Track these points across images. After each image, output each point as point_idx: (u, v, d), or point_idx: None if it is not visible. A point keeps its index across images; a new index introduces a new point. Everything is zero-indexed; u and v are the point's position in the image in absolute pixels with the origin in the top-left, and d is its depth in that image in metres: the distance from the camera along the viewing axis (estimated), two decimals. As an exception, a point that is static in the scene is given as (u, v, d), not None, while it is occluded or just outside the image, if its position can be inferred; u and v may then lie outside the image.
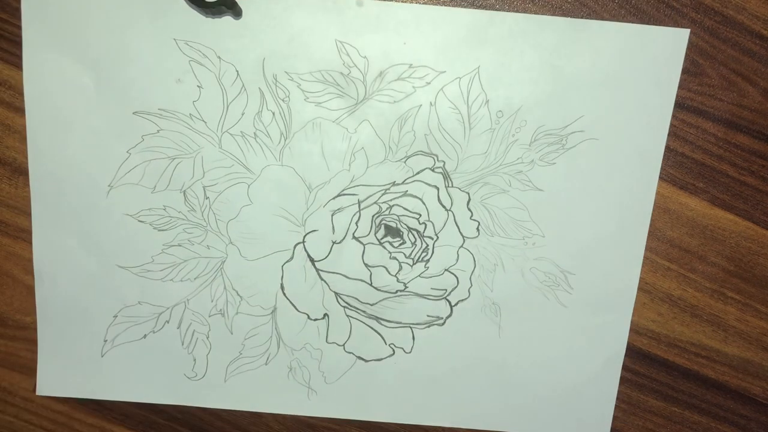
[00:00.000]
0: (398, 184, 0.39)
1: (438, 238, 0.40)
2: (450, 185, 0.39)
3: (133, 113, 0.38)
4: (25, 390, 0.42)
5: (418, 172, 0.39)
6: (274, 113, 0.38)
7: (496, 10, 0.37)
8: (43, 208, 0.40)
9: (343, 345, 0.42)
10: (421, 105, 0.38)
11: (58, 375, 0.42)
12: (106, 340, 0.42)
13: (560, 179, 0.39)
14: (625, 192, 0.39)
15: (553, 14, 0.37)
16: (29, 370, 0.42)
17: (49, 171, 0.39)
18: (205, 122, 0.38)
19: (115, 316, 0.41)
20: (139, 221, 0.40)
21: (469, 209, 0.40)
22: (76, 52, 0.37)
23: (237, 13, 0.36)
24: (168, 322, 0.41)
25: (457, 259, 0.40)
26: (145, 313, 0.41)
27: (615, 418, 0.43)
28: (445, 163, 0.39)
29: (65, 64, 0.37)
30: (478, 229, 0.40)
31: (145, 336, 0.42)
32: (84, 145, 0.39)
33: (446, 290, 0.41)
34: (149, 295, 0.41)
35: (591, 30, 0.37)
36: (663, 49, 0.37)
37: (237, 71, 0.38)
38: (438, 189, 0.39)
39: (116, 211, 0.40)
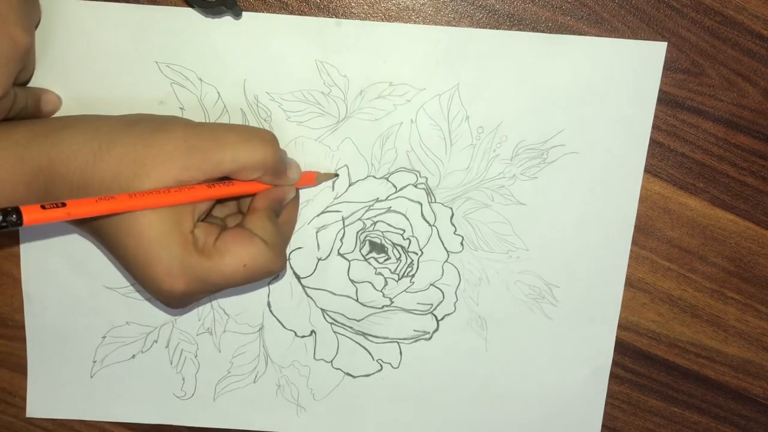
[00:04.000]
0: (381, 201, 0.40)
1: (422, 253, 0.40)
2: (433, 201, 0.40)
3: (117, 135, 0.38)
4: (25, 390, 0.42)
5: (401, 189, 0.39)
6: (256, 133, 0.39)
7: (496, 10, 0.37)
8: (30, 231, 0.40)
9: (331, 361, 0.42)
10: (402, 122, 0.38)
11: (48, 396, 0.42)
12: (95, 361, 0.42)
13: (542, 193, 0.39)
14: (607, 204, 0.40)
15: (554, 14, 0.37)
16: (29, 370, 0.42)
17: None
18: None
19: (104, 337, 0.42)
20: (126, 242, 0.40)
21: (453, 224, 0.40)
22: (59, 77, 0.37)
23: (236, 13, 0.36)
24: (156, 341, 0.42)
25: (442, 274, 0.41)
26: (133, 333, 0.42)
27: (615, 418, 0.43)
28: (427, 179, 0.39)
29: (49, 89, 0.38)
30: (462, 243, 0.40)
31: (133, 356, 0.42)
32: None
33: (432, 305, 0.41)
34: (137, 315, 0.41)
35: (568, 45, 0.37)
36: (640, 62, 0.37)
37: (218, 92, 0.38)
38: (421, 205, 0.40)
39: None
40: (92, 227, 0.32)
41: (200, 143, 0.31)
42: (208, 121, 0.38)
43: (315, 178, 0.38)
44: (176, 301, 0.33)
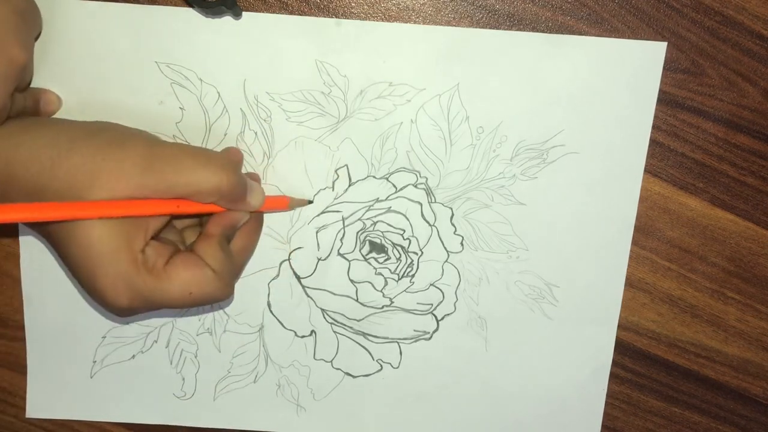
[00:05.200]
0: (381, 201, 0.40)
1: (422, 253, 0.40)
2: (433, 201, 0.40)
3: (117, 136, 0.38)
4: (25, 390, 0.42)
5: (401, 189, 0.39)
6: (256, 133, 0.39)
7: (496, 10, 0.37)
8: (30, 231, 0.40)
9: (331, 361, 0.42)
10: (402, 122, 0.38)
11: (48, 397, 0.42)
12: (95, 361, 0.42)
13: (542, 193, 0.39)
14: (607, 204, 0.40)
15: (554, 14, 0.37)
16: (29, 371, 0.42)
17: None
18: (189, 143, 0.39)
19: (104, 337, 0.42)
20: (126, 242, 0.40)
21: (453, 224, 0.40)
22: (59, 77, 0.37)
23: (236, 13, 0.36)
24: (156, 341, 0.42)
25: (442, 274, 0.41)
26: (133, 333, 0.42)
27: (615, 418, 0.43)
28: (427, 179, 0.39)
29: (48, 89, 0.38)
30: (462, 243, 0.40)
31: (133, 356, 0.42)
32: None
33: (432, 305, 0.41)
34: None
35: (568, 45, 0.37)
36: (641, 62, 0.38)
37: (218, 93, 0.38)
38: (421, 205, 0.40)
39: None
40: (45, 233, 0.32)
41: (157, 164, 0.31)
42: (207, 122, 0.38)
43: (287, 204, 0.38)
44: (120, 313, 0.33)
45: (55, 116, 0.38)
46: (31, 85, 0.37)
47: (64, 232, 0.31)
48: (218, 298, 0.33)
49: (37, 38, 0.36)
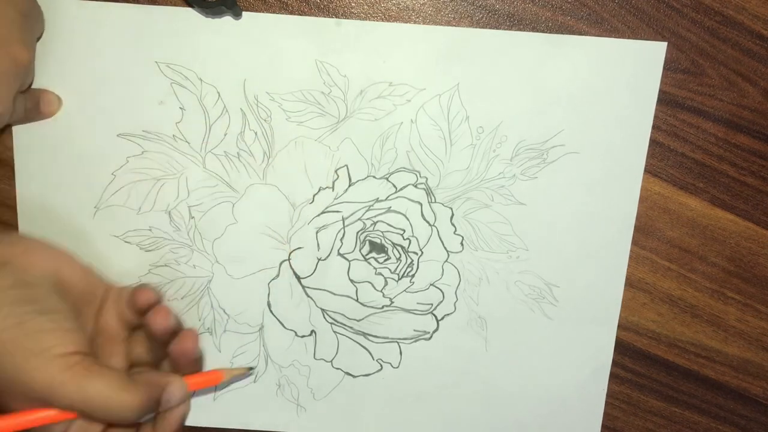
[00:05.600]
0: (381, 201, 0.40)
1: (422, 253, 0.40)
2: (433, 201, 0.40)
3: (117, 135, 0.38)
4: None
5: (401, 189, 0.39)
6: (256, 133, 0.39)
7: (496, 10, 0.37)
8: (30, 231, 0.40)
9: (331, 361, 0.42)
10: (402, 122, 0.38)
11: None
12: (95, 361, 0.42)
13: (542, 193, 0.39)
14: (607, 204, 0.40)
15: (554, 14, 0.37)
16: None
17: (36, 194, 0.39)
18: (189, 143, 0.39)
19: (104, 337, 0.42)
20: (126, 242, 0.40)
21: (453, 224, 0.40)
22: (59, 77, 0.37)
23: (236, 13, 0.36)
24: (156, 341, 0.42)
25: (442, 274, 0.41)
26: (134, 333, 0.42)
27: (615, 418, 0.43)
28: (427, 179, 0.39)
29: (49, 89, 0.38)
30: (462, 243, 0.40)
31: (133, 356, 0.42)
32: (70, 168, 0.39)
33: (432, 305, 0.41)
34: (137, 315, 0.41)
35: (569, 45, 0.37)
36: (641, 62, 0.38)
37: (218, 93, 0.38)
38: (421, 205, 0.40)
39: (103, 232, 0.40)
40: None
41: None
42: (207, 122, 0.38)
43: (221, 379, 0.36)
44: None
45: (55, 116, 0.38)
46: (32, 86, 0.37)
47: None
48: None
49: (38, 39, 0.36)
